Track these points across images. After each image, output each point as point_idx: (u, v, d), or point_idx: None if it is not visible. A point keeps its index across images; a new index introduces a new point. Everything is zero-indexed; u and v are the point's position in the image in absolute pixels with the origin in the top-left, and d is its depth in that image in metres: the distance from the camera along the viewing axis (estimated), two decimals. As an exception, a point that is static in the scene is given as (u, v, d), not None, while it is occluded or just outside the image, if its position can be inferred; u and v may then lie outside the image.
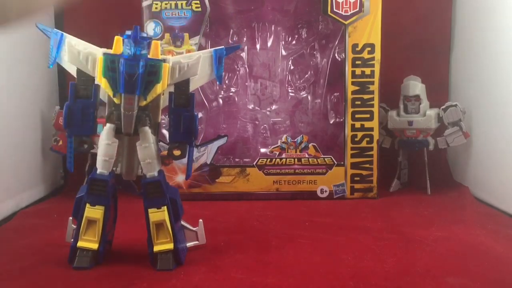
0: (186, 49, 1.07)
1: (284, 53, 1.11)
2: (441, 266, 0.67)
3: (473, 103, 1.17)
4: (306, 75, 1.11)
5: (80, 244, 0.67)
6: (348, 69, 1.09)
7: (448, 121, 1.16)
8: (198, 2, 1.07)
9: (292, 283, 0.62)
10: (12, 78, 1.02)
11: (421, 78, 1.18)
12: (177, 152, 0.69)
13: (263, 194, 1.11)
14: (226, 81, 1.10)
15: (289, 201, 1.09)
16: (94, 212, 0.67)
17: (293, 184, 1.11)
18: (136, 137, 0.67)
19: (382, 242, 0.78)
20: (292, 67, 1.11)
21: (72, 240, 0.68)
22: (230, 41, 1.10)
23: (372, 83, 1.08)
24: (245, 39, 1.10)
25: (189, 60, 0.68)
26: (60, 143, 1.12)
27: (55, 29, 0.69)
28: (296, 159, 1.11)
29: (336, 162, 1.11)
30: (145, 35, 0.65)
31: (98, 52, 0.66)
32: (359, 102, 1.09)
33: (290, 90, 1.11)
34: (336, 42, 1.09)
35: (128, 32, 0.65)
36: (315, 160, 1.11)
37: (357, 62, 1.08)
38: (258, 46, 1.11)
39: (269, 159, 1.11)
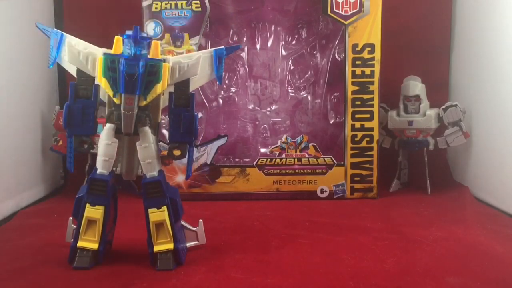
0: (186, 49, 1.07)
1: (284, 53, 1.11)
2: (441, 266, 0.67)
3: (473, 103, 1.17)
4: (306, 75, 1.11)
5: (80, 244, 0.67)
6: (348, 69, 1.09)
7: (448, 121, 1.16)
8: (198, 2, 1.07)
9: (292, 283, 0.62)
10: (12, 78, 1.02)
11: (421, 78, 1.18)
12: (177, 152, 0.69)
13: (263, 194, 1.11)
14: (226, 81, 1.11)
15: (289, 201, 1.09)
16: (94, 212, 0.66)
17: (293, 184, 1.11)
18: (136, 137, 0.67)
19: (382, 242, 0.78)
20: (292, 67, 1.11)
21: (72, 240, 0.68)
22: (230, 41, 1.10)
23: (372, 83, 1.08)
24: (245, 39, 1.10)
25: (189, 60, 0.68)
26: (60, 143, 1.12)
27: (55, 29, 0.69)
28: (296, 159, 1.11)
29: (336, 162, 1.11)
30: (145, 35, 0.65)
31: (98, 52, 0.66)
32: (359, 102, 1.09)
33: (290, 90, 1.11)
34: (336, 42, 1.09)
35: (128, 32, 0.65)
36: (315, 160, 1.11)
37: (357, 62, 1.08)
38: (258, 46, 1.11)
39: (269, 159, 1.11)
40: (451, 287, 0.61)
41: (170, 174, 1.09)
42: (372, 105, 1.09)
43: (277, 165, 1.11)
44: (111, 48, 0.65)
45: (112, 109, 0.66)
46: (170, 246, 0.67)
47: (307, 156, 1.11)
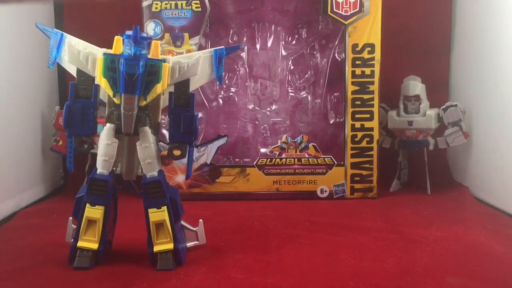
0: (186, 49, 1.07)
1: (284, 53, 1.11)
2: (441, 266, 0.67)
3: (473, 103, 1.17)
4: (306, 75, 1.11)
5: (80, 244, 0.67)
6: (348, 69, 1.09)
7: (448, 121, 1.16)
8: (198, 2, 1.07)
9: (292, 283, 0.62)
10: (12, 78, 1.02)
11: (421, 78, 1.18)
12: (177, 152, 0.69)
13: (263, 194, 1.11)
14: (226, 81, 1.11)
15: (289, 201, 1.09)
16: (94, 212, 0.67)
17: (293, 184, 1.11)
18: (136, 137, 0.67)
19: (382, 242, 0.78)
20: (292, 67, 1.11)
21: (72, 240, 0.68)
22: (230, 41, 1.10)
23: (372, 83, 1.08)
24: (245, 39, 1.10)
25: (189, 60, 0.68)
26: (60, 143, 1.12)
27: (55, 29, 0.69)
28: (296, 159, 1.11)
29: (336, 162, 1.11)
30: (145, 35, 0.65)
31: (98, 52, 0.66)
32: (359, 102, 1.09)
33: (290, 90, 1.11)
34: (336, 42, 1.09)
35: (128, 32, 0.65)
36: (315, 160, 1.11)
37: (357, 62, 1.08)
38: (258, 46, 1.11)
39: (269, 159, 1.11)
40: (451, 287, 0.61)
41: (170, 174, 1.09)
42: (372, 105, 1.09)
43: (277, 165, 1.11)
44: (111, 48, 0.65)
45: (112, 109, 0.66)
46: (170, 246, 0.67)
47: (307, 156, 1.11)
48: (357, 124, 1.10)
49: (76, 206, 0.68)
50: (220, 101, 1.11)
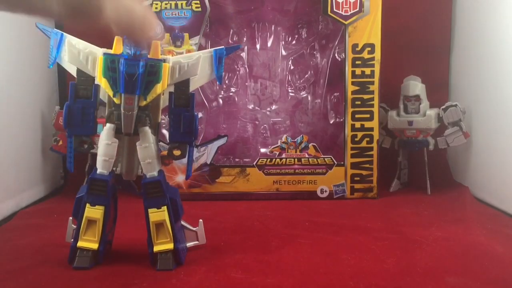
0: (186, 49, 1.07)
1: (284, 53, 1.11)
2: (441, 266, 0.67)
3: (473, 103, 1.17)
4: (306, 75, 1.11)
5: (80, 244, 0.67)
6: (348, 69, 1.09)
7: (448, 121, 1.16)
8: (198, 2, 1.07)
9: (292, 283, 0.62)
10: (12, 78, 1.02)
11: (421, 78, 1.18)
12: (177, 152, 0.69)
13: (263, 194, 1.11)
14: (226, 81, 1.11)
15: (289, 201, 1.09)
16: (94, 212, 0.66)
17: (293, 184, 1.11)
18: (136, 137, 0.67)
19: (382, 242, 0.78)
20: (292, 67, 1.11)
21: (72, 240, 0.68)
22: (230, 41, 1.10)
23: (372, 83, 1.08)
24: (245, 39, 1.10)
25: (189, 60, 0.68)
26: (60, 143, 1.12)
27: (55, 29, 0.69)
28: (296, 159, 1.11)
29: (336, 162, 1.11)
30: (145, 35, 0.65)
31: (98, 52, 0.66)
32: (359, 102, 1.09)
33: (290, 90, 1.11)
34: (336, 42, 1.09)
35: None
36: (315, 160, 1.11)
37: (357, 62, 1.08)
38: (258, 46, 1.11)
39: (269, 159, 1.11)
40: (451, 287, 0.61)
41: (170, 174, 1.09)
42: (372, 105, 1.09)
43: (277, 165, 1.11)
44: (111, 48, 0.65)
45: (112, 109, 0.66)
46: (170, 246, 0.67)
47: (307, 156, 1.11)
48: (357, 124, 1.10)
49: (76, 206, 0.67)
50: (220, 101, 1.11)
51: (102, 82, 0.65)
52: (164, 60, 0.66)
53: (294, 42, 1.11)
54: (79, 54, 0.66)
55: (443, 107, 1.16)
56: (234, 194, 1.11)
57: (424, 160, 1.17)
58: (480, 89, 1.14)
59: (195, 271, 0.66)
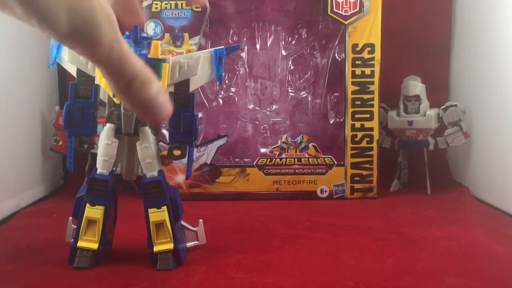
0: (186, 49, 1.07)
1: (284, 53, 1.11)
2: (441, 266, 0.67)
3: (473, 103, 1.17)
4: (306, 75, 1.11)
5: (80, 244, 0.67)
6: (348, 69, 1.09)
7: (448, 121, 1.16)
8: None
9: (292, 283, 0.62)
10: (12, 78, 1.02)
11: (421, 78, 1.18)
12: (177, 152, 0.69)
13: (263, 194, 1.11)
14: (226, 81, 1.11)
15: (289, 201, 1.09)
16: (94, 212, 0.66)
17: (293, 184, 1.11)
18: (136, 137, 0.67)
19: (382, 242, 0.78)
20: (292, 67, 1.11)
21: (72, 240, 0.68)
22: (230, 41, 1.10)
23: (372, 83, 1.08)
24: (245, 39, 1.10)
25: (189, 60, 0.68)
26: (60, 143, 1.12)
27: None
28: (296, 159, 1.11)
29: (336, 162, 1.11)
30: (145, 35, 0.65)
31: (98, 52, 0.66)
32: (359, 102, 1.09)
33: (290, 90, 1.11)
34: (336, 42, 1.09)
35: (128, 32, 0.64)
36: (315, 160, 1.11)
37: (357, 62, 1.08)
38: (258, 46, 1.11)
39: (269, 159, 1.11)
40: (451, 287, 0.61)
41: (170, 174, 1.09)
42: (372, 105, 1.09)
43: (277, 165, 1.11)
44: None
45: (112, 109, 0.66)
46: (170, 246, 0.66)
47: (307, 156, 1.11)
48: (357, 124, 1.10)
49: (76, 206, 0.67)
50: (220, 101, 1.11)
51: (102, 82, 0.65)
52: (164, 60, 0.66)
53: (294, 42, 1.11)
54: (79, 54, 0.66)
55: (443, 107, 1.16)
56: (234, 194, 1.11)
57: (424, 160, 1.17)
58: (480, 89, 1.14)
59: (195, 271, 0.66)
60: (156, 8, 1.07)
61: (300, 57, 1.11)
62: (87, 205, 0.66)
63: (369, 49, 1.08)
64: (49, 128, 1.16)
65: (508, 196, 0.99)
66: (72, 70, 0.68)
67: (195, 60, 0.68)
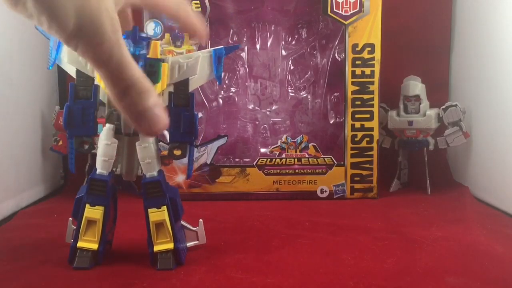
0: (186, 49, 1.07)
1: (284, 53, 1.11)
2: (441, 266, 0.67)
3: (473, 103, 1.17)
4: (306, 75, 1.11)
5: (80, 244, 0.67)
6: (348, 69, 1.09)
7: (448, 121, 1.16)
8: (198, 2, 1.07)
9: (292, 283, 0.62)
10: (12, 78, 1.02)
11: (421, 78, 1.18)
12: (177, 152, 0.69)
13: (263, 194, 1.11)
14: (226, 81, 1.11)
15: (289, 201, 1.09)
16: (94, 212, 0.66)
17: (293, 184, 1.11)
18: (136, 137, 0.67)
19: (382, 242, 0.78)
20: (292, 67, 1.11)
21: (72, 240, 0.68)
22: (230, 41, 1.10)
23: (372, 83, 1.08)
24: (245, 39, 1.10)
25: (188, 60, 0.68)
26: (60, 143, 1.12)
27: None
28: (296, 159, 1.11)
29: (336, 162, 1.11)
30: (144, 35, 0.65)
31: (98, 52, 0.66)
32: (359, 102, 1.09)
33: (290, 90, 1.11)
34: (336, 42, 1.09)
35: (128, 32, 0.64)
36: (315, 160, 1.11)
37: (357, 62, 1.08)
38: (258, 46, 1.11)
39: (269, 159, 1.11)
40: (451, 287, 0.61)
41: (170, 174, 1.09)
42: (372, 105, 1.09)
43: (277, 165, 1.11)
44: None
45: (112, 110, 0.66)
46: (170, 246, 0.67)
47: (307, 156, 1.11)
48: (357, 124, 1.10)
49: (76, 206, 0.67)
50: (220, 101, 1.11)
51: (101, 82, 0.65)
52: (163, 60, 0.66)
53: (294, 42, 1.11)
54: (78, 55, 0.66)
55: (443, 107, 1.16)
56: (234, 194, 1.11)
57: (424, 160, 1.17)
58: (480, 89, 1.14)
59: (195, 271, 0.66)
60: (156, 8, 1.07)
61: (300, 57, 1.11)
62: (87, 205, 0.66)
63: (369, 49, 1.08)
64: (49, 128, 1.16)
65: (508, 196, 0.99)
66: (71, 71, 0.68)
67: (194, 60, 0.68)
